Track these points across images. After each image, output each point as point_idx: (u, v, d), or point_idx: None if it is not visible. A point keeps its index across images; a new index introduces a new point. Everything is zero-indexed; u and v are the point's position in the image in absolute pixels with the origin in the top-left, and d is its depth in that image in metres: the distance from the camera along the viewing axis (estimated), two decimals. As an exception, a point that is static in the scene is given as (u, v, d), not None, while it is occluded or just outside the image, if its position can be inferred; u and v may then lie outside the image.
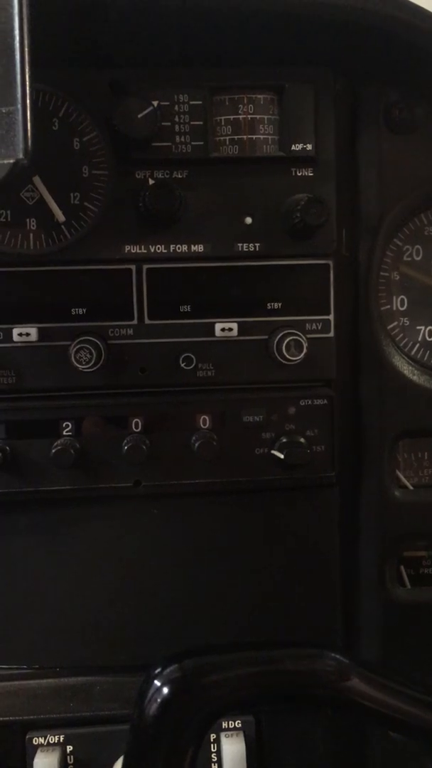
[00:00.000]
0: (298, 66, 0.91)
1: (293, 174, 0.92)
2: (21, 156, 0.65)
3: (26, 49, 0.65)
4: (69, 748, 0.95)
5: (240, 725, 0.96)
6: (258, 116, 0.90)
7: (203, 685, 0.66)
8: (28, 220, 0.89)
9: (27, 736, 0.95)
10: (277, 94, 0.91)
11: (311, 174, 0.92)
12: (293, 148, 0.90)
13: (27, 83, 0.65)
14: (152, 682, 0.65)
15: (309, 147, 0.91)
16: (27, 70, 0.65)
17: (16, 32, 0.65)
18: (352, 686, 0.66)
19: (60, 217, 0.89)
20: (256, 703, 0.70)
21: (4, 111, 0.66)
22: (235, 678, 0.67)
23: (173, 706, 0.64)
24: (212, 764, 0.95)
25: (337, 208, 0.93)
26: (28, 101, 0.65)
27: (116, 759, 0.94)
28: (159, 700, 0.64)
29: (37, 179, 0.89)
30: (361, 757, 1.01)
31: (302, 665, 0.66)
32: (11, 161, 0.65)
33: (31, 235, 0.90)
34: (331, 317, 0.95)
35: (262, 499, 0.98)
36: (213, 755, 0.96)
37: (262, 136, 0.91)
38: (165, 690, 0.65)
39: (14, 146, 0.66)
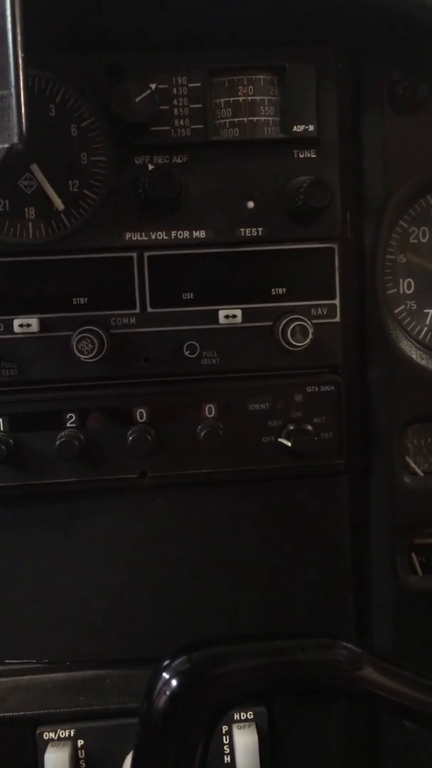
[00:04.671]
0: (298, 45, 0.89)
1: (295, 156, 0.90)
2: (16, 140, 0.64)
3: (18, 32, 0.64)
4: (80, 743, 0.94)
5: (252, 717, 0.95)
6: (258, 98, 0.88)
7: (212, 677, 0.65)
8: (26, 209, 0.88)
9: (37, 731, 0.94)
10: (277, 74, 0.89)
11: (314, 156, 0.90)
12: (295, 129, 0.89)
13: (20, 66, 0.64)
14: (161, 674, 0.64)
15: (311, 128, 0.89)
16: (20, 52, 0.64)
17: (8, 14, 0.63)
18: (365, 676, 0.65)
19: (59, 205, 0.88)
20: (267, 694, 0.69)
21: (-3, 96, 0.65)
22: (244, 669, 0.65)
23: (182, 699, 0.63)
24: (225, 756, 0.94)
25: (341, 190, 0.91)
26: (21, 84, 0.64)
27: (128, 752, 0.93)
28: (168, 692, 0.63)
29: (35, 167, 0.87)
30: (375, 748, 1.00)
31: (314, 655, 0.65)
32: (6, 146, 0.64)
33: (31, 224, 0.88)
34: (336, 302, 0.93)
35: (270, 487, 0.96)
36: (225, 747, 0.95)
37: (263, 118, 0.89)
38: (174, 682, 0.63)
39: (9, 131, 0.64)
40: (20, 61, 0.64)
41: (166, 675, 0.64)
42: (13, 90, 0.64)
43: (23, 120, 0.64)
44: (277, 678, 0.66)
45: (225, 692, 0.64)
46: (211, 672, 0.65)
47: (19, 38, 0.64)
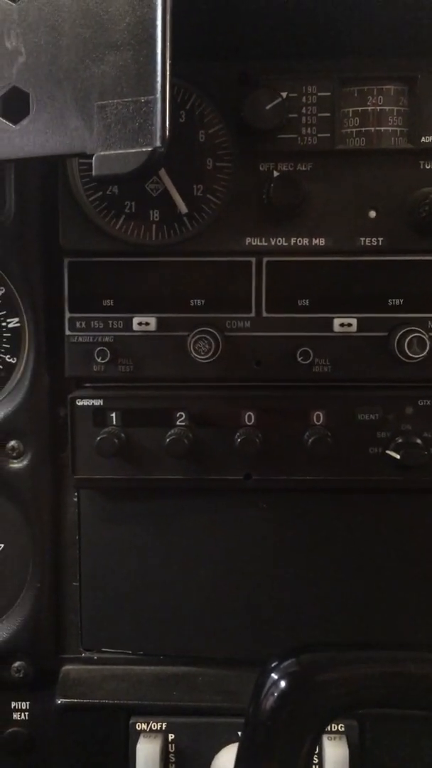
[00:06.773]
0: (431, 55, 0.88)
1: (421, 167, 0.89)
2: (158, 144, 0.66)
3: (168, 39, 0.66)
4: (171, 736, 0.95)
5: (343, 729, 0.94)
6: (387, 108, 0.88)
7: (321, 681, 0.64)
8: (151, 211, 0.91)
9: (130, 721, 0.96)
10: (407, 84, 0.88)
11: None
12: (423, 140, 0.88)
13: (167, 73, 0.66)
14: (269, 675, 0.65)
15: None
16: (168, 59, 0.66)
17: (159, 21, 0.65)
18: None
19: (183, 208, 0.90)
20: (375, 705, 0.68)
21: (143, 100, 0.67)
22: (353, 677, 0.65)
23: (291, 700, 0.63)
24: (314, 766, 0.94)
25: None
26: (167, 90, 0.66)
27: (217, 751, 0.94)
28: (276, 693, 0.63)
29: (162, 171, 0.90)
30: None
31: (426, 669, 0.64)
32: (149, 149, 0.66)
33: (154, 226, 0.91)
34: None
35: (375, 499, 0.96)
36: (314, 757, 0.94)
37: (390, 128, 0.88)
38: (282, 683, 0.64)
39: (152, 135, 0.66)
40: (168, 68, 0.66)
41: (274, 675, 0.64)
42: (159, 95, 0.66)
43: (167, 125, 0.66)
44: (386, 689, 0.65)
45: (332, 698, 0.64)
46: (319, 676, 0.65)
47: (168, 45, 0.66)
